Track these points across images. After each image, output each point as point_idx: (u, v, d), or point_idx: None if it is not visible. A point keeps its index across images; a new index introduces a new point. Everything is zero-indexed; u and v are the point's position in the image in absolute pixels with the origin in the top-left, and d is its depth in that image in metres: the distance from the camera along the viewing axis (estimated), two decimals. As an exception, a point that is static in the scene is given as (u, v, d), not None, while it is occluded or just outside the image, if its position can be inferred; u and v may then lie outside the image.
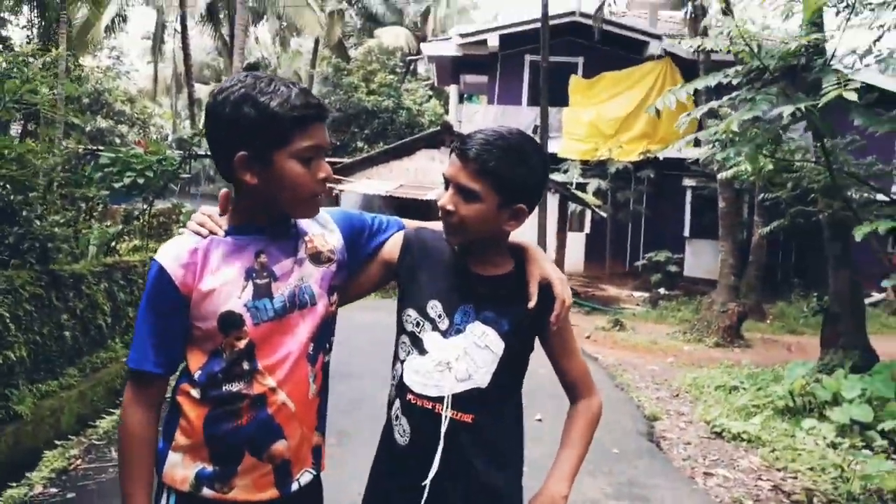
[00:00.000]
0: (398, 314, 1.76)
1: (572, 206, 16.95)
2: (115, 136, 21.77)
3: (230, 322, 1.53)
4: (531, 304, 1.66)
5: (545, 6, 13.57)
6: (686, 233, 18.53)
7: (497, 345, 1.66)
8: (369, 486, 1.77)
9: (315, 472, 1.69)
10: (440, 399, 1.64)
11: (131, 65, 32.78)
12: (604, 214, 16.98)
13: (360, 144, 21.18)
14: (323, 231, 1.73)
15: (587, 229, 19.28)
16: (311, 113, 1.53)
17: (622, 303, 15.17)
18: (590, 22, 16.61)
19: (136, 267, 7.01)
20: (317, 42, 30.71)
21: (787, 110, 4.15)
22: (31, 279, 4.92)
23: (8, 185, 5.13)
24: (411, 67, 28.21)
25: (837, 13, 5.49)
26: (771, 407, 6.24)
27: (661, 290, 15.40)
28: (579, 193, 16.00)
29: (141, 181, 6.32)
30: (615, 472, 4.71)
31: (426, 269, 1.75)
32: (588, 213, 18.07)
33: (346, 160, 16.97)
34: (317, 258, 1.67)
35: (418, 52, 26.55)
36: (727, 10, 5.17)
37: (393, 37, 28.42)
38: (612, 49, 18.33)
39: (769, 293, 14.97)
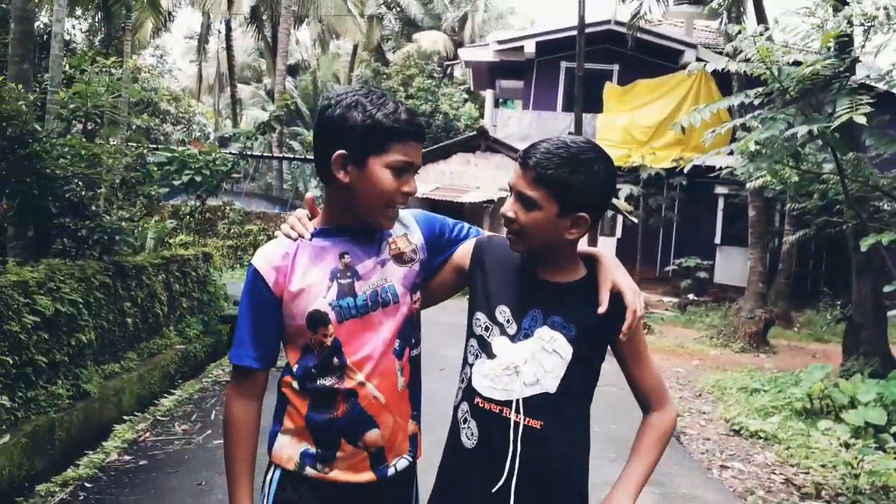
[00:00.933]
0: (468, 318, 1.79)
1: (604, 211, 17.17)
2: (159, 135, 22.47)
3: (317, 320, 1.66)
4: (601, 309, 1.65)
5: (582, 15, 13.84)
6: (717, 240, 18.63)
7: (565, 350, 1.67)
8: (437, 486, 1.80)
9: (411, 459, 1.79)
10: (508, 403, 1.66)
11: (174, 63, 33.71)
12: (635, 220, 17.16)
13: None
14: (406, 231, 1.83)
15: (618, 234, 19.46)
16: (412, 130, 1.66)
17: (651, 307, 15.35)
18: (625, 30, 16.87)
19: (189, 261, 7.49)
20: (356, 45, 31.30)
21: (801, 130, 4.45)
22: (100, 269, 5.38)
23: (80, 183, 5.61)
24: (448, 71, 28.63)
25: (865, 31, 5.75)
26: (789, 408, 6.51)
27: (691, 296, 15.58)
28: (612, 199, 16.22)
29: (198, 179, 6.79)
30: (635, 462, 5.03)
31: (496, 274, 1.79)
32: (619, 219, 18.27)
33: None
34: (400, 258, 1.78)
35: (455, 56, 26.97)
36: (765, 30, 5.43)
37: (431, 41, 28.89)
38: (648, 57, 18.53)
39: (799, 302, 15.08)
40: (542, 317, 1.69)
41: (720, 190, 18.02)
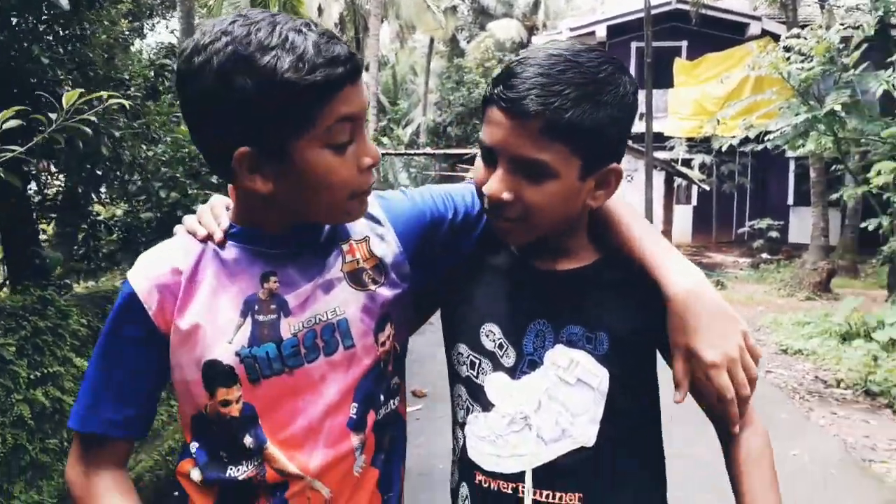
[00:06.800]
0: (447, 353, 1.21)
1: (678, 181, 18.39)
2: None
3: (215, 377, 1.03)
4: (678, 397, 1.04)
5: (648, 4, 15.09)
6: (790, 201, 19.60)
7: (596, 375, 1.08)
8: None
9: None
10: (523, 476, 1.07)
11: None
12: (706, 188, 18.31)
13: (481, 135, 23.44)
14: (369, 234, 1.16)
15: (694, 201, 20.65)
16: (341, 72, 0.94)
17: (727, 268, 16.50)
18: (689, 7, 18.08)
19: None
20: (432, 38, 33.05)
21: (800, 119, 6.02)
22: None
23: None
24: (522, 57, 30.06)
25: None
26: (829, 332, 7.93)
27: (764, 255, 16.69)
28: (683, 169, 17.45)
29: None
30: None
31: (473, 274, 1.19)
32: (694, 187, 19.41)
33: (473, 151, 19.14)
34: (357, 277, 1.11)
35: (528, 41, 28.42)
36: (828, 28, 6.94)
37: (504, 29, 30.33)
38: (714, 31, 19.57)
39: (869, 253, 15.95)
40: (553, 330, 1.11)
41: (791, 154, 18.91)
